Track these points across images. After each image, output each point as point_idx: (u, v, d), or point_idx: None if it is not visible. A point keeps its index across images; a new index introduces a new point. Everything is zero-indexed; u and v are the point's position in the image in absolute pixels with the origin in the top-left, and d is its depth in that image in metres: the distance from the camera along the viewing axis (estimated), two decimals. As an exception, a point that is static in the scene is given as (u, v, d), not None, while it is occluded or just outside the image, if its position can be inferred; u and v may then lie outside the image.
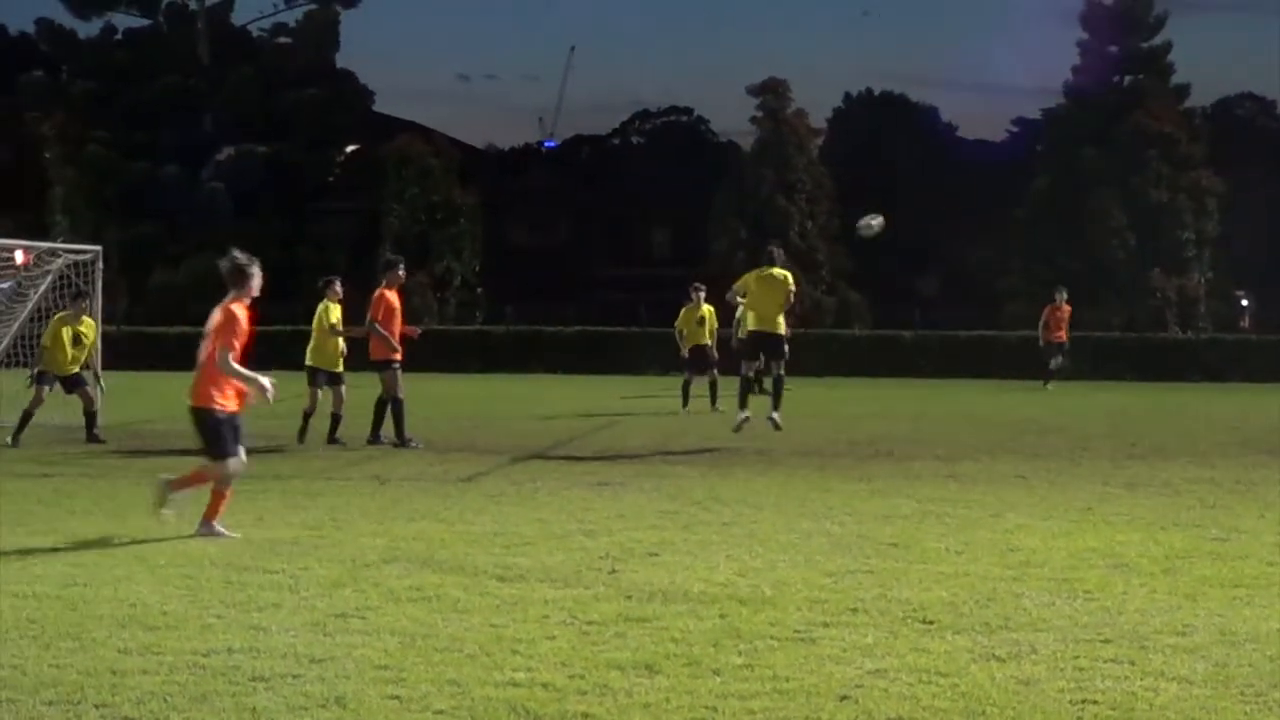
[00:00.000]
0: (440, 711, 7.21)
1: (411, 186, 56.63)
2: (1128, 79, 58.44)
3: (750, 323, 21.57)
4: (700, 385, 27.58)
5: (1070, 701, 7.42)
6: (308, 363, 21.64)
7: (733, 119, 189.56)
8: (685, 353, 27.87)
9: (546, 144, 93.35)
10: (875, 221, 21.71)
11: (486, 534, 12.71)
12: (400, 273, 21.71)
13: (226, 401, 12.59)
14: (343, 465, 18.56)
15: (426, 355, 42.24)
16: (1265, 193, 60.88)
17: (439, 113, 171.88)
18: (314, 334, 21.73)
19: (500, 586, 10.31)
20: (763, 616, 9.35)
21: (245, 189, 60.23)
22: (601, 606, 9.61)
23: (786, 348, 21.19)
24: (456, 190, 57.88)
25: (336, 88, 65.51)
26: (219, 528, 12.40)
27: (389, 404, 20.87)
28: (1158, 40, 58.48)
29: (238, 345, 12.49)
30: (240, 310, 12.59)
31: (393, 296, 21.12)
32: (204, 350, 12.59)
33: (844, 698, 7.47)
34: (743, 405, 20.94)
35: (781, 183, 57.38)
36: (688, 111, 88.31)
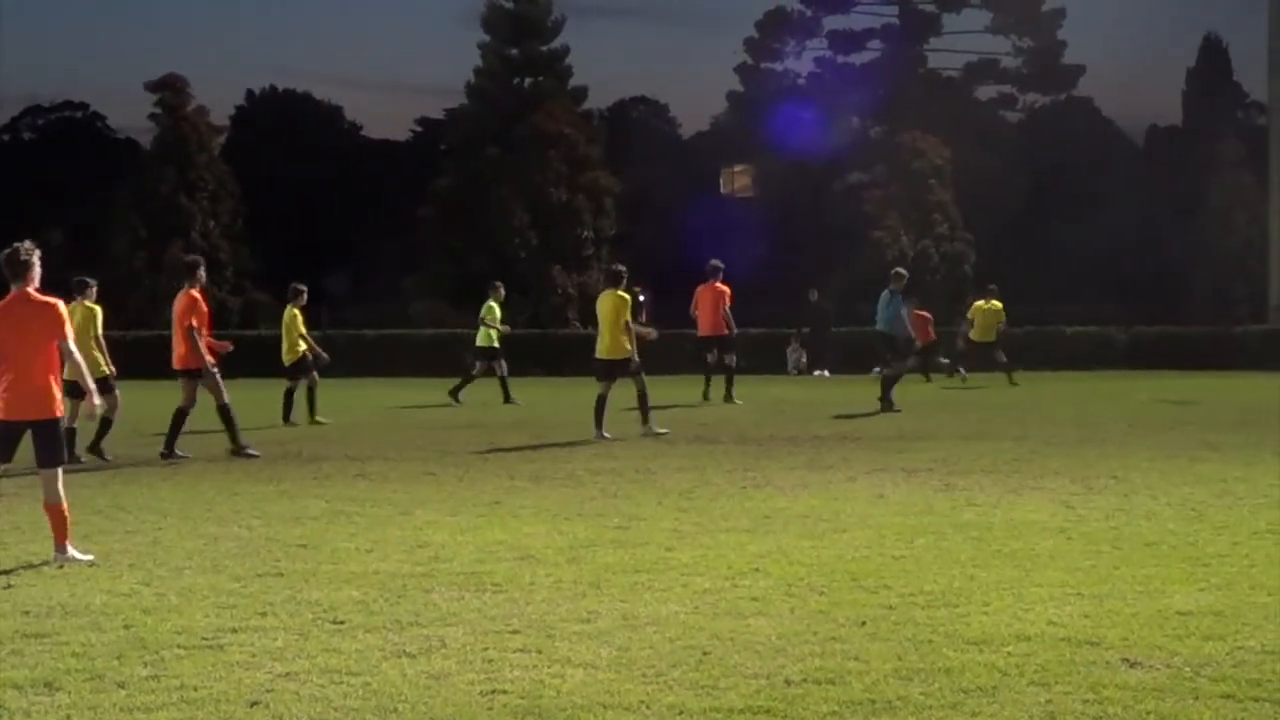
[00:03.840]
0: None
1: None
2: (528, 81, 59.86)
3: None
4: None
5: (480, 693, 7.52)
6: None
7: (131, 116, 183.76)
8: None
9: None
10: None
11: None
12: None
13: None
14: None
15: None
16: (659, 191, 63.52)
17: None
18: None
19: (-118, 609, 9.68)
20: (169, 625, 9.10)
21: None
22: (-5, 624, 9.15)
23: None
24: None
25: None
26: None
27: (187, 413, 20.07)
28: (556, 44, 60.14)
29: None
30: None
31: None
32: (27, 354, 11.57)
33: (254, 703, 7.36)
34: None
35: (183, 181, 56.13)
36: (83, 107, 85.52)
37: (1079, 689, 7.51)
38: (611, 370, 22.48)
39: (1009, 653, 8.24)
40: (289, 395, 25.60)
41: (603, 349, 22.51)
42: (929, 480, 16.36)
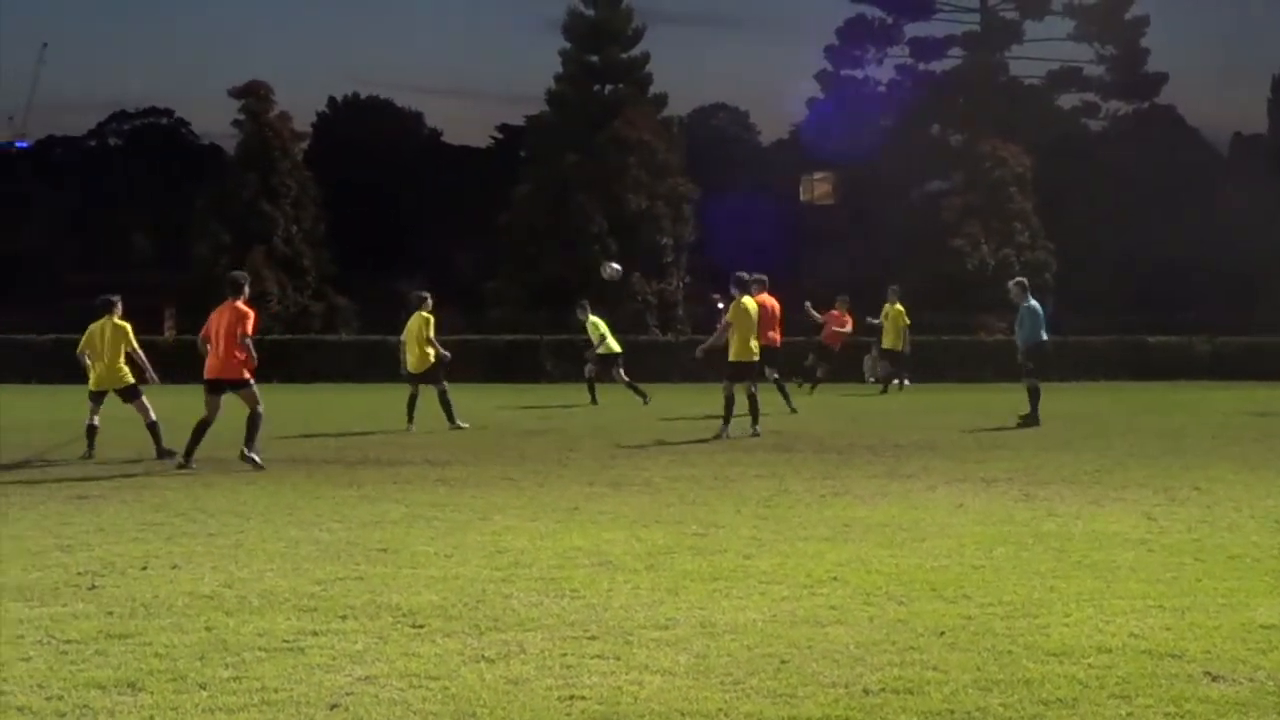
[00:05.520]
0: (-97, 743, 6.81)
1: None
2: (608, 88, 59.91)
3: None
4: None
5: (559, 698, 7.53)
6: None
7: (214, 121, 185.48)
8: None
9: (18, 144, 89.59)
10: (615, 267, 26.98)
11: (-46, 553, 12.08)
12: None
13: None
14: None
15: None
16: (739, 198, 63.41)
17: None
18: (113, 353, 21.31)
19: (-31, 608, 9.81)
20: (250, 627, 9.17)
21: None
22: (81, 624, 9.25)
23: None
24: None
25: None
26: None
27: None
28: (636, 51, 60.12)
29: None
30: None
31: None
32: None
33: (334, 706, 7.41)
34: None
35: (265, 187, 56.51)
36: (168, 113, 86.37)
37: (1160, 702, 7.46)
38: (738, 373, 23.67)
39: (1089, 664, 8.19)
40: (444, 398, 25.29)
41: (732, 352, 23.62)
42: (1009, 490, 16.27)
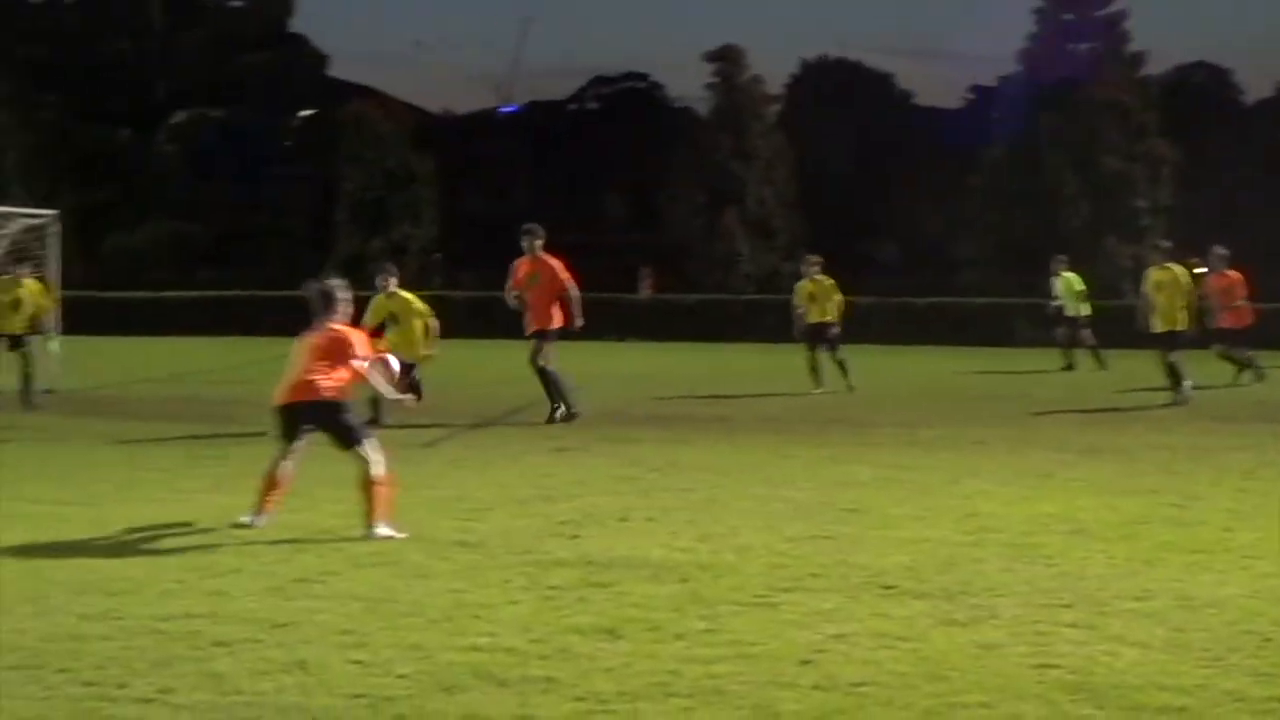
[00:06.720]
0: (403, 675, 7.20)
1: (367, 152, 56.32)
2: (1083, 47, 58.46)
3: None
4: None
5: (1031, 666, 7.45)
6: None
7: (689, 85, 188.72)
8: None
9: (505, 109, 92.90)
10: None
11: (446, 499, 12.69)
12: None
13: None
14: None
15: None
16: (1219, 160, 60.96)
17: (394, 78, 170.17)
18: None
19: (461, 552, 10.30)
20: (724, 582, 9.35)
21: (199, 153, 59.81)
22: (562, 572, 9.61)
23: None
24: (412, 156, 57.63)
25: (290, 51, 65.14)
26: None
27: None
28: (1113, 8, 58.52)
29: None
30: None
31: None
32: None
33: (806, 662, 7.49)
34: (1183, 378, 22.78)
35: (738, 150, 57.28)
36: (644, 78, 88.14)
37: None
38: (1165, 341, 22.90)
39: None
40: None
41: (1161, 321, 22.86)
42: None
